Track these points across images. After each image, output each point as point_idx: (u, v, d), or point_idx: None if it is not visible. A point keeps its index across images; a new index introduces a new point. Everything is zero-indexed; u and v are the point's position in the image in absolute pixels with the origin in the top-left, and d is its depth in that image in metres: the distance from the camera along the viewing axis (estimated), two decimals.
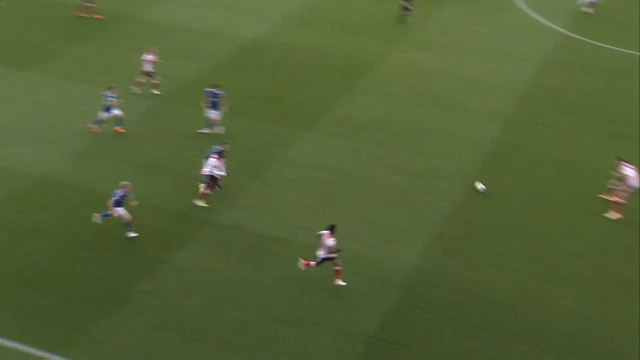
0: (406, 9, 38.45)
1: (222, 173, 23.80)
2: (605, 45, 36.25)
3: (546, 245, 22.88)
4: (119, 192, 21.90)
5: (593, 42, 36.66)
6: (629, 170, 24.06)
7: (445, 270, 21.64)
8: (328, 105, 30.37)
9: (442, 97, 31.49)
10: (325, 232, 20.39)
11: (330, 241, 20.18)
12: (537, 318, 20.00)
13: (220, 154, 24.01)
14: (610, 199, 24.51)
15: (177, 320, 19.10)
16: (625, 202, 24.24)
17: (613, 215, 24.27)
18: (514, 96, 31.58)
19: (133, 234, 21.86)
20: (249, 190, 24.51)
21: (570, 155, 27.16)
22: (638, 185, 24.11)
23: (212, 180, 23.69)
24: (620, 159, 24.47)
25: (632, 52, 35.51)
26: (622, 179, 24.06)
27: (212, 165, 23.60)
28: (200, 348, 18.34)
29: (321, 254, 20.28)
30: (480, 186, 24.99)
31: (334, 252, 20.28)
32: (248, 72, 32.86)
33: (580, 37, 37.07)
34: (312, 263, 20.57)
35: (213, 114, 27.58)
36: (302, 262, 20.77)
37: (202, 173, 23.70)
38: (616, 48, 35.98)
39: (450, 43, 36.68)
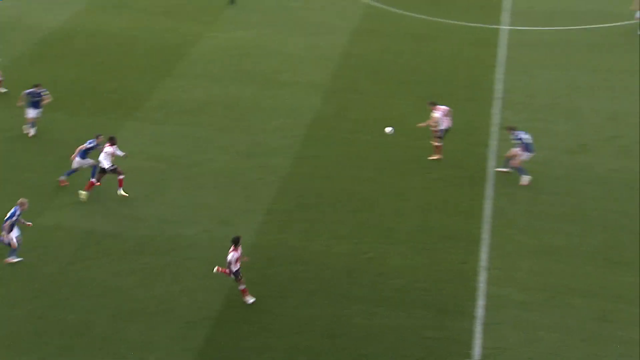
0: None
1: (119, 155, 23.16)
2: (407, 13, 37.65)
3: (375, 207, 23.64)
4: (16, 212, 19.94)
5: (396, 9, 37.98)
6: (439, 112, 25.23)
7: (282, 244, 21.91)
8: (146, 91, 29.77)
9: (261, 73, 31.65)
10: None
11: (230, 255, 19.13)
12: (372, 277, 20.70)
13: (113, 142, 23.10)
14: (434, 143, 25.64)
15: (2, 335, 18.18)
16: (440, 144, 25.46)
17: (435, 156, 25.52)
18: (329, 67, 32.23)
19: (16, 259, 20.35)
20: (71, 188, 23.64)
21: (386, 119, 28.12)
22: (448, 125, 25.39)
23: (103, 171, 22.97)
24: (433, 103, 25.61)
25: (432, 18, 37.09)
26: (436, 122, 25.24)
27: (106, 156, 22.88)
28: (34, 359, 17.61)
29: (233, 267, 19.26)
30: (388, 129, 25.09)
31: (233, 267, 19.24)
32: (56, 63, 31.60)
33: (384, 6, 38.28)
34: (227, 271, 19.50)
35: (33, 113, 26.33)
36: (218, 269, 19.92)
37: (104, 166, 22.93)
38: (416, 15, 37.47)
39: (264, 19, 36.86)
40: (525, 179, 24.64)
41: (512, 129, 24.78)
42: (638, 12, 35.86)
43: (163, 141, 26.55)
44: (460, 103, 28.94)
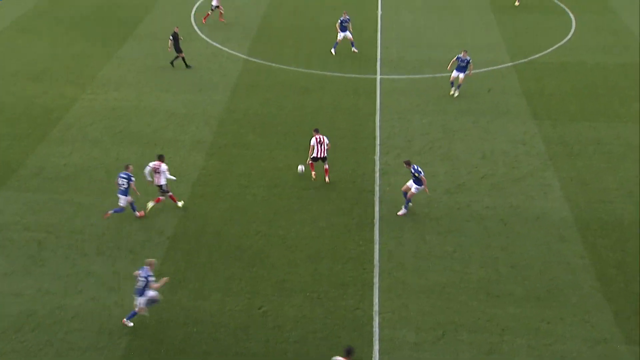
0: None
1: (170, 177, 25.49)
2: (286, 67, 38.05)
3: (267, 260, 23.40)
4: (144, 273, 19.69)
5: (274, 64, 38.32)
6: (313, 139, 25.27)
7: (174, 305, 21.30)
8: (19, 158, 28.65)
9: (142, 133, 31.07)
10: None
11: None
12: (267, 332, 20.40)
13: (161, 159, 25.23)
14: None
15: None
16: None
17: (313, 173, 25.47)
18: (212, 124, 31.99)
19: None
20: None
21: (273, 170, 28.01)
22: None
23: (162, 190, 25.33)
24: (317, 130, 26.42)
25: (310, 70, 37.59)
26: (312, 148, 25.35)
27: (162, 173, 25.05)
28: None
29: None
30: (300, 168, 26.81)
31: None
32: None
33: (262, 61, 38.56)
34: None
35: None
36: None
37: (157, 184, 25.15)
38: (296, 68, 37.92)
39: (142, 79, 36.34)
40: (403, 211, 25.12)
41: (408, 163, 25.25)
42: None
43: (40, 209, 25.54)
44: (344, 152, 29.24)
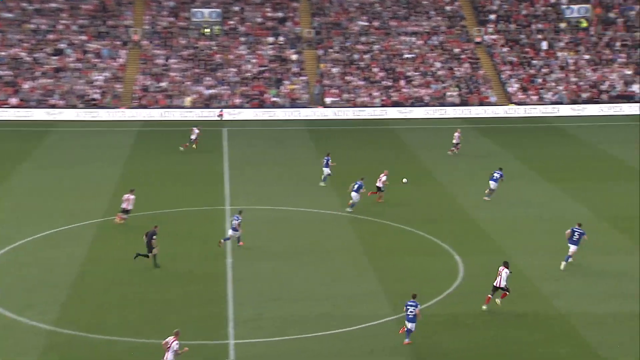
0: None
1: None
2: (103, 337, 28.65)
3: None
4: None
5: (88, 334, 28.79)
6: None
7: None
8: None
9: None
10: None
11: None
12: None
13: None
14: None
15: None
16: None
17: None
18: None
19: None
20: None
21: None
22: None
23: None
24: None
25: (141, 340, 28.25)
26: None
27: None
28: None
29: None
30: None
31: None
32: None
33: (73, 332, 28.95)
34: None
35: None
36: None
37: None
38: (118, 338, 28.59)
39: None
40: None
41: None
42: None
43: None
44: None
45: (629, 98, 73.94)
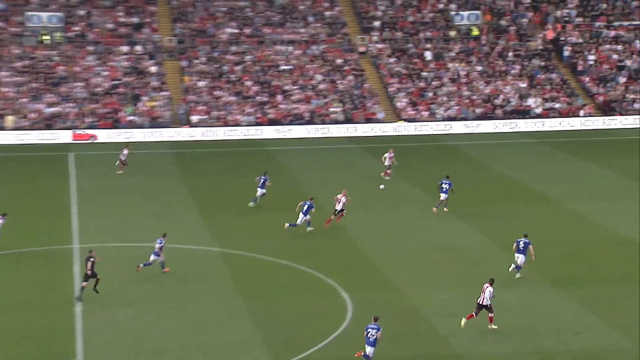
0: None
1: None
2: None
3: None
4: None
5: None
6: None
7: None
8: None
9: None
10: None
11: None
12: None
13: None
14: None
15: None
16: None
17: None
18: None
19: None
20: None
21: None
22: None
23: None
24: None
25: None
26: None
27: None
28: None
29: None
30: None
31: None
32: None
33: None
34: None
35: None
36: None
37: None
38: None
39: None
40: None
41: None
42: None
43: None
44: None
45: (524, 113, 76.89)
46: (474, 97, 77.60)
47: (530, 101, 77.85)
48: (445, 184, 47.99)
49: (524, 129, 74.96)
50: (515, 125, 75.20)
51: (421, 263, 40.67)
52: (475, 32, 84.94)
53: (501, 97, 77.98)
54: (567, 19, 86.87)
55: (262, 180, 49.69)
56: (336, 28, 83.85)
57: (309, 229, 44.26)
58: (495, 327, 32.49)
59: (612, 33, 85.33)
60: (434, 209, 47.89)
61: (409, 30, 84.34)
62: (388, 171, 56.37)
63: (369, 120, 74.72)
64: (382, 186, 52.35)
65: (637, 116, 76.43)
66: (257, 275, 38.93)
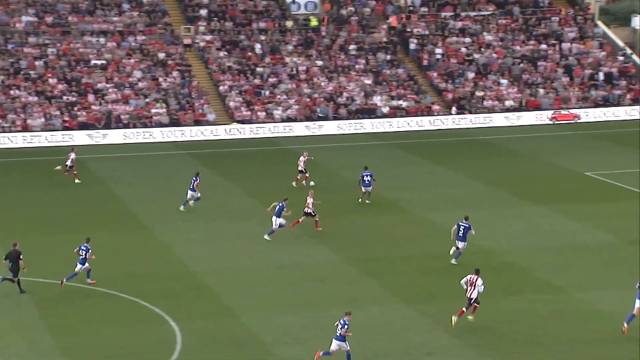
0: None
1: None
2: None
3: None
4: None
5: None
6: None
7: None
8: None
9: None
10: None
11: None
12: None
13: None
14: None
15: None
16: None
17: None
18: None
19: None
20: None
21: None
22: None
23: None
24: None
25: None
26: None
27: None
28: None
29: None
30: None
31: None
32: None
33: None
34: None
35: None
36: None
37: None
38: None
39: None
40: None
41: None
42: None
43: None
44: None
45: (370, 112, 79.13)
46: (315, 95, 79.18)
47: (376, 99, 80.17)
48: (367, 175, 52.89)
49: (371, 129, 77.21)
50: (361, 126, 77.30)
51: (260, 284, 41.30)
52: (314, 22, 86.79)
53: (345, 94, 79.94)
54: (411, 8, 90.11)
55: (193, 182, 51.33)
56: (156, 17, 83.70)
57: (274, 227, 46.29)
58: (472, 320, 35.78)
59: (459, 24, 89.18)
60: (360, 199, 53.44)
61: (241, 21, 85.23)
62: (306, 175, 57.26)
63: (198, 122, 74.94)
64: (312, 183, 55.69)
65: (488, 114, 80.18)
66: (68, 307, 38.56)
